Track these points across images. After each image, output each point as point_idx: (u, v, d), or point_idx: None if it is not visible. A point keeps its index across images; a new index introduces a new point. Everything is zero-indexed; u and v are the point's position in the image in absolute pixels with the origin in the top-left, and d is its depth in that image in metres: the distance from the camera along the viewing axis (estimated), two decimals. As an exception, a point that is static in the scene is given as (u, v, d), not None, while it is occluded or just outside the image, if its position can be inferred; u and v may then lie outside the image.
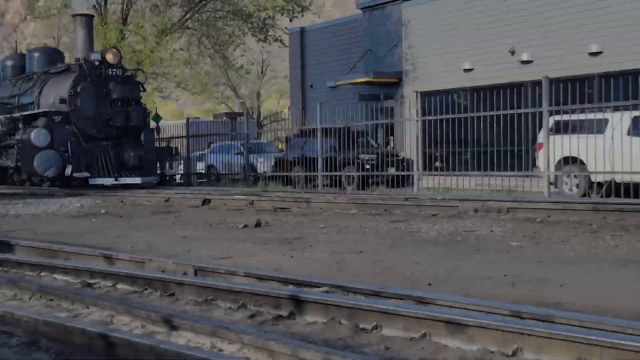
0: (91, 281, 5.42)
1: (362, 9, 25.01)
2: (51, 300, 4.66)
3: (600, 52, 18.52)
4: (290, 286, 4.65)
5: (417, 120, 15.69)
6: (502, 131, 15.26)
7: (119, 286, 5.22)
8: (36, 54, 21.68)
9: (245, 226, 8.89)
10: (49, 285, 5.24)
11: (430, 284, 4.82)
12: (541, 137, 13.95)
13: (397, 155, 19.14)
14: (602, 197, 12.65)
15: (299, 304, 4.08)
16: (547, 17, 19.44)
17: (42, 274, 5.89)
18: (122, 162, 18.39)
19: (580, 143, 13.04)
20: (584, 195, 13.32)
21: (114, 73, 19.14)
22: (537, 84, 16.21)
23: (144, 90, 20.20)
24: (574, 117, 13.56)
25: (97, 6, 28.80)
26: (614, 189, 12.77)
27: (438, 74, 21.96)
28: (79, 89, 18.75)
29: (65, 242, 7.54)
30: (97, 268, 5.64)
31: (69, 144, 17.89)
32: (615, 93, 12.74)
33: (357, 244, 6.98)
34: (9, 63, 22.48)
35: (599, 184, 13.35)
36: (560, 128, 13.73)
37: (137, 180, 18.31)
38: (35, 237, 8.08)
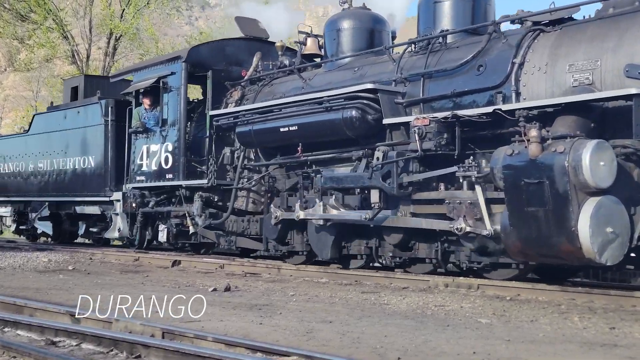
0: (56, 339, 5.33)
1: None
2: (14, 357, 4.58)
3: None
4: (259, 353, 4.61)
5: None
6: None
7: (84, 346, 5.13)
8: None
9: (215, 290, 8.82)
10: (12, 341, 5.14)
11: (399, 358, 4.79)
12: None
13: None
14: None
15: (267, 372, 4.01)
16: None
17: (6, 329, 5.78)
18: None
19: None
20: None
21: None
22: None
23: None
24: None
25: (78, 62, 29.09)
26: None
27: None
28: None
29: (30, 297, 7.42)
30: (62, 326, 5.56)
31: None
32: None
33: (327, 313, 6.95)
34: (347, 24, 11.90)
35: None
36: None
37: None
38: None
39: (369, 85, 10.43)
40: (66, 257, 13.60)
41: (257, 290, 9.03)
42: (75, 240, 19.07)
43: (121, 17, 28.49)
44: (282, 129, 11.50)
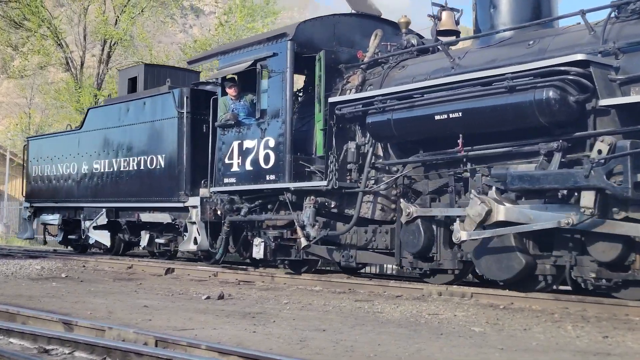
0: (48, 347, 5.31)
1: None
2: (6, 365, 4.56)
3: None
4: (252, 362, 4.60)
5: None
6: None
7: (76, 354, 5.12)
8: None
9: (208, 298, 8.81)
10: (5, 350, 5.12)
11: (392, 367, 4.79)
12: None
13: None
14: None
15: (261, 381, 3.97)
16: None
17: (-2, 337, 5.76)
18: None
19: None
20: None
21: None
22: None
23: None
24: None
25: (72, 70, 29.08)
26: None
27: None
28: None
29: (23, 305, 7.39)
30: (55, 334, 5.54)
31: None
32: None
33: (321, 321, 6.94)
34: None
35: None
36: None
37: None
38: (-7, 299, 7.91)
39: (580, 56, 8.09)
40: (59, 265, 13.56)
41: (250, 298, 9.02)
42: (133, 251, 17.58)
43: (115, 25, 28.48)
44: (437, 117, 9.21)
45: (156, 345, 5.16)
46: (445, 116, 9.12)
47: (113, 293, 9.27)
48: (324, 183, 10.51)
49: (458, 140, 9.02)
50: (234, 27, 29.05)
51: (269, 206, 11.73)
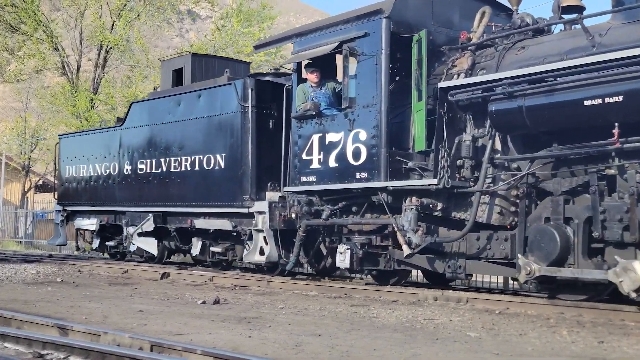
0: (43, 352, 5.30)
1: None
2: (1, 369, 4.55)
3: None
4: (248, 367, 4.59)
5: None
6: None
7: (71, 358, 5.11)
8: None
9: (204, 302, 8.80)
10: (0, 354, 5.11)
11: (388, 372, 4.79)
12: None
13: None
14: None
15: (256, 386, 3.95)
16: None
17: (-7, 341, 5.74)
18: None
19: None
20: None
21: None
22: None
23: None
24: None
25: (68, 74, 29.06)
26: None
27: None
28: None
29: (18, 309, 7.38)
30: (50, 339, 5.52)
31: None
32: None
33: (316, 326, 6.94)
34: None
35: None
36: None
37: None
38: (-12, 303, 7.90)
39: None
40: (54, 269, 13.54)
41: (246, 302, 9.01)
42: (181, 260, 16.43)
43: (112, 29, 28.48)
44: (587, 103, 7.79)
45: (151, 350, 5.16)
46: (600, 101, 7.69)
47: (108, 297, 9.26)
48: (434, 181, 9.11)
49: (612, 130, 7.57)
50: (231, 31, 29.08)
51: (353, 209, 10.43)
